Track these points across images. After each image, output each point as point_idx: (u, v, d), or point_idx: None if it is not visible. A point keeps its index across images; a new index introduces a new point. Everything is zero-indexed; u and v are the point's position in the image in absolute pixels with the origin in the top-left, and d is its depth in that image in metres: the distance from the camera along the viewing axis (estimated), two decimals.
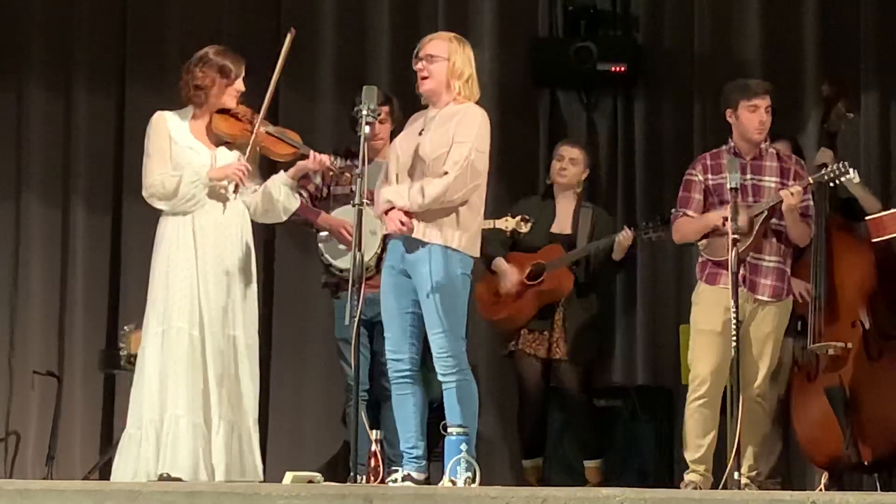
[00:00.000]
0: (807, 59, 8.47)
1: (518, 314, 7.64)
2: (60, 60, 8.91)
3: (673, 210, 6.91)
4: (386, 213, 6.01)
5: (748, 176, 6.70)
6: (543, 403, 7.78)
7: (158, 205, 6.38)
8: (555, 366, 7.66)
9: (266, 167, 6.65)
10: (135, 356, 6.61)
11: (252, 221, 6.56)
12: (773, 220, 6.71)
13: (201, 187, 6.32)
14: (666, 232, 7.36)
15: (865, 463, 6.90)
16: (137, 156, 6.53)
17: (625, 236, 7.62)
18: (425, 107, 6.21)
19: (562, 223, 7.73)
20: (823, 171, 6.71)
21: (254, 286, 6.45)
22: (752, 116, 6.75)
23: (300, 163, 6.49)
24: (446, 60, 6.08)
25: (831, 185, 6.76)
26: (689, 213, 6.81)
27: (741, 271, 6.41)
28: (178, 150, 6.39)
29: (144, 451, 6.18)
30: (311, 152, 6.47)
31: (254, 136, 6.40)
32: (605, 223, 7.84)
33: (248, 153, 6.40)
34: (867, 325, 6.99)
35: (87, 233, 8.81)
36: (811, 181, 6.70)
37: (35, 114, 8.89)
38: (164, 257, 6.33)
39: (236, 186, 6.37)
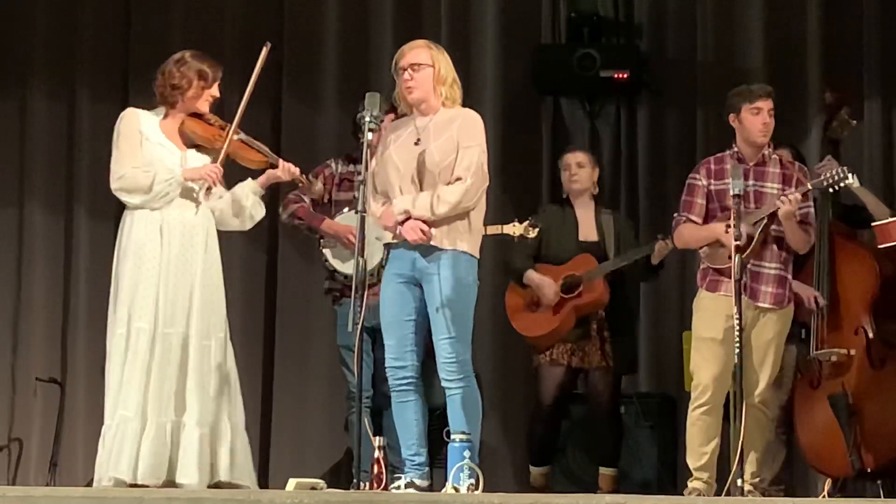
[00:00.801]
0: (810, 66, 8.46)
1: (559, 329, 7.48)
2: (64, 68, 8.91)
3: (675, 214, 6.88)
4: (402, 223, 5.99)
5: (750, 182, 6.66)
6: (560, 412, 7.69)
7: (126, 198, 6.33)
8: (588, 374, 7.55)
9: (231, 178, 6.63)
10: None
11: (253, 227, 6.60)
12: (774, 227, 6.69)
13: (175, 185, 6.31)
14: None
15: (868, 470, 6.90)
16: None
17: (666, 245, 7.54)
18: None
19: (586, 231, 7.61)
20: (822, 177, 6.68)
21: (220, 289, 6.40)
22: (755, 119, 6.72)
23: (270, 172, 6.50)
24: (431, 67, 6.07)
25: (831, 190, 6.74)
26: (692, 217, 6.78)
27: (742, 278, 6.40)
28: (150, 146, 6.37)
29: (99, 455, 6.22)
30: (281, 162, 6.49)
31: (227, 141, 6.40)
32: (627, 229, 7.77)
33: (220, 158, 6.40)
34: (871, 333, 6.98)
35: (90, 240, 8.79)
36: (810, 187, 6.68)
37: (38, 122, 8.88)
38: (132, 255, 6.28)
39: (208, 189, 6.37)
